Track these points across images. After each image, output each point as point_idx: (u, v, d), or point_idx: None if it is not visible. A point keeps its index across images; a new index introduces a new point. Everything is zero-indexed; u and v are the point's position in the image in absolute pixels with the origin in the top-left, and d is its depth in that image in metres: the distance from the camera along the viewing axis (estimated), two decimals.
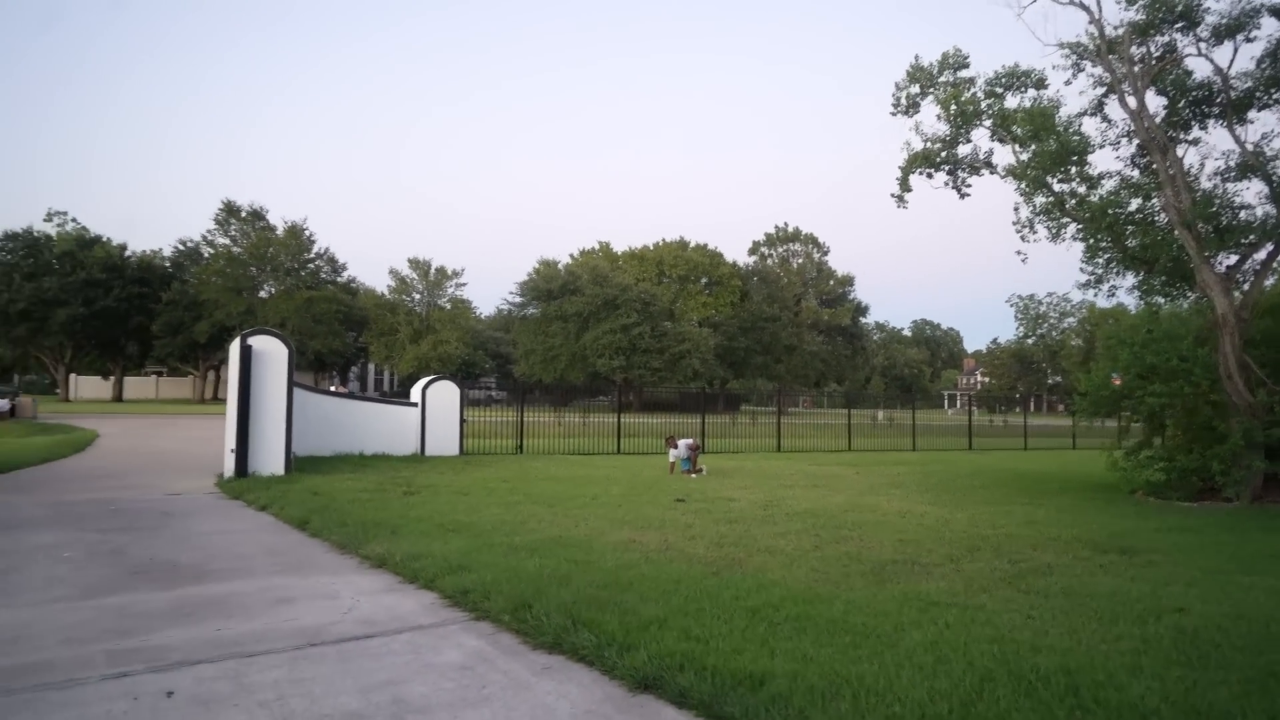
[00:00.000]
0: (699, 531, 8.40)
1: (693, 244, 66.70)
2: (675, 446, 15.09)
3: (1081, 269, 14.51)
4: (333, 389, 36.90)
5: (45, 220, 57.75)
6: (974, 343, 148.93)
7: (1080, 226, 13.91)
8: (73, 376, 59.17)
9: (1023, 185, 14.35)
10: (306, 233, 58.71)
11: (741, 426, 24.92)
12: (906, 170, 15.33)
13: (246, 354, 12.92)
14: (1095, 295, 54.01)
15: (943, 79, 14.89)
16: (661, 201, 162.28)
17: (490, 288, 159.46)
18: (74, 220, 58.05)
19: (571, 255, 66.87)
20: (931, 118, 15.69)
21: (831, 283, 74.78)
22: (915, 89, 15.15)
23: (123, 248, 58.19)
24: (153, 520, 9.08)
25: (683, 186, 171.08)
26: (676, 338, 57.75)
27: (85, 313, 52.90)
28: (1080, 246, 14.14)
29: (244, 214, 58.10)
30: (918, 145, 15.26)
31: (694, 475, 14.42)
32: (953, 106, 14.48)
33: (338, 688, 4.10)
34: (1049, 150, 13.45)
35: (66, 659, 4.47)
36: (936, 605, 5.49)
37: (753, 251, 74.88)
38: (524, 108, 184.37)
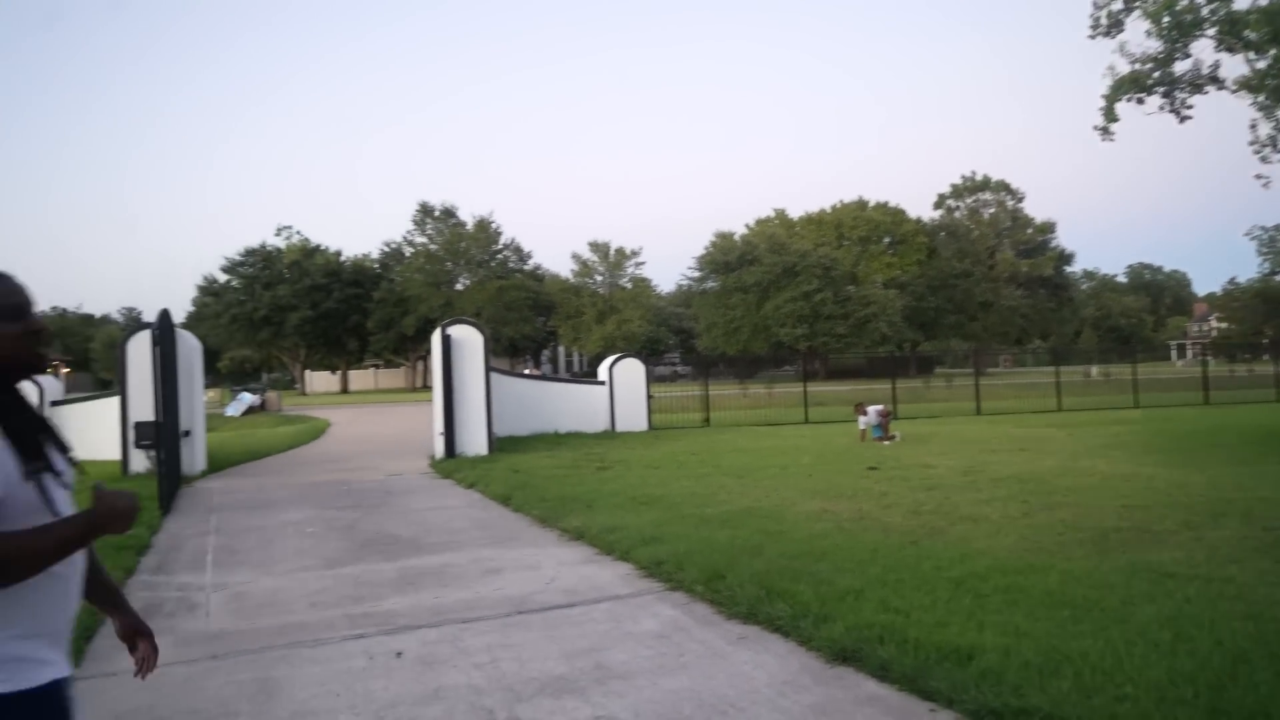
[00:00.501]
0: (894, 500, 8.09)
1: (872, 203, 63.93)
2: (865, 413, 14.60)
3: None
4: (526, 372, 38.93)
5: (275, 235, 64.92)
6: (1205, 285, 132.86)
7: None
8: (307, 372, 66.37)
9: (1260, 98, 12.50)
10: (494, 225, 62.16)
11: (936, 390, 23.73)
12: (1111, 98, 13.78)
13: (447, 343, 13.86)
14: None
15: None
16: (837, 162, 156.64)
17: (668, 264, 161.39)
18: (298, 233, 64.85)
19: (747, 225, 66.13)
20: (1139, 35, 13.97)
21: (1029, 231, 68.98)
22: (1118, 4, 13.55)
23: (338, 254, 64.31)
24: (377, 498, 10.00)
25: (859, 144, 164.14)
26: (861, 301, 55.74)
27: (312, 315, 59.08)
28: None
29: (437, 213, 62.38)
30: (1123, 69, 13.67)
31: (886, 442, 13.89)
32: (1165, 18, 12.82)
33: (544, 653, 4.32)
34: None
35: (314, 621, 5.03)
36: (1173, 577, 4.95)
37: (938, 205, 70.49)
38: (686, 79, 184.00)
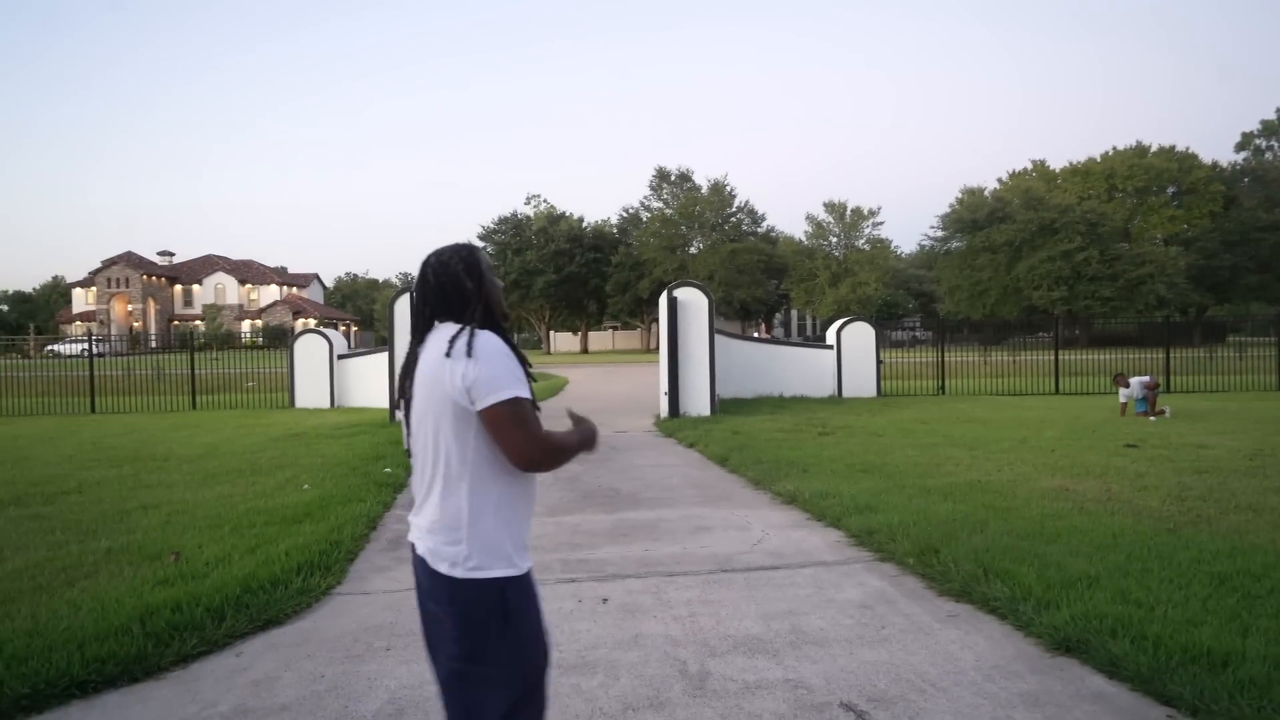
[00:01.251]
0: (1153, 482, 7.17)
1: (1154, 148, 56.10)
2: (1127, 385, 13.02)
3: None
4: (756, 335, 38.90)
5: (524, 203, 69.64)
6: None
7: None
8: (551, 333, 70.96)
9: None
10: (728, 189, 62.23)
11: (1223, 360, 20.59)
12: None
13: (673, 305, 14.15)
14: None
15: None
16: (1107, 103, 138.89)
17: (910, 223, 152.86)
18: (544, 201, 69.00)
19: (999, 180, 60.87)
20: None
21: None
22: None
23: (580, 220, 67.66)
24: (602, 453, 10.50)
25: (1140, 80, 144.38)
26: (1134, 260, 49.40)
27: (556, 279, 62.81)
28: None
29: (673, 177, 63.53)
30: None
31: (1152, 418, 12.32)
32: None
33: (742, 612, 4.34)
34: None
35: (534, 563, 5.40)
36: None
37: (1242, 146, 60.32)
38: (927, 25, 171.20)
